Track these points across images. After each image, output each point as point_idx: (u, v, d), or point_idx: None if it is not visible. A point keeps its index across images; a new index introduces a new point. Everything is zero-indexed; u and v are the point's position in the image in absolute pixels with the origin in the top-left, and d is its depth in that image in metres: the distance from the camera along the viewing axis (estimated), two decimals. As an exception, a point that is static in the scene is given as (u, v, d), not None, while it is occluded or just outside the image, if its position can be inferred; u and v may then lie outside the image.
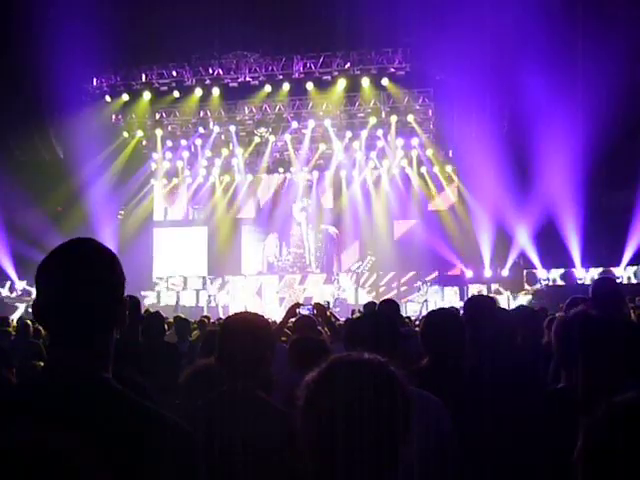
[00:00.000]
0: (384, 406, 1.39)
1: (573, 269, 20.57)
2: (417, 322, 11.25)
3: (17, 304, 20.64)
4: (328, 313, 5.67)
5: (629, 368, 2.41)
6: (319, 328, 5.66)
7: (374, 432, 1.37)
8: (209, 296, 25.46)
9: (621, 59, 16.57)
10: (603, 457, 1.41)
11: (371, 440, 1.36)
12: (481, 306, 4.34)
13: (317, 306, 5.86)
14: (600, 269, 19.44)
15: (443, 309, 3.75)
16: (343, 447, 1.36)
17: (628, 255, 19.63)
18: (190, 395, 3.17)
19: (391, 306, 5.49)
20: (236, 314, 2.93)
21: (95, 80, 22.58)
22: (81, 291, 1.58)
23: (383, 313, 3.22)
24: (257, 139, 24.14)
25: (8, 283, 21.72)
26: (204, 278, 25.88)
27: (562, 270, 20.94)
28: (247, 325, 2.76)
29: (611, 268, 19.36)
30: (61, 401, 1.50)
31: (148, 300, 23.95)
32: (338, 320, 7.14)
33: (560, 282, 20.74)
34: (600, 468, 1.41)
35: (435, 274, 24.03)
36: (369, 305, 7.67)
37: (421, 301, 23.20)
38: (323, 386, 1.45)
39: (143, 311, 6.94)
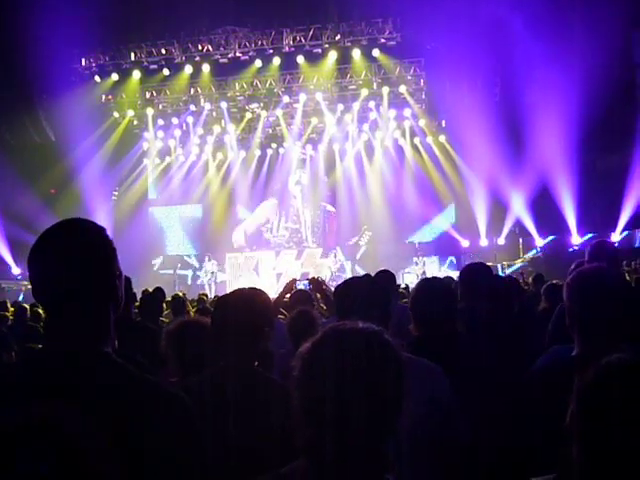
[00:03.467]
0: (377, 373, 1.40)
1: (569, 236, 20.61)
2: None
3: (15, 288, 20.65)
4: (323, 287, 5.67)
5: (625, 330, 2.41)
6: (315, 303, 5.66)
7: (368, 399, 1.37)
8: (204, 273, 25.46)
9: (614, 23, 16.47)
10: (599, 417, 1.42)
11: (366, 407, 1.37)
12: (477, 274, 4.35)
13: (313, 281, 5.86)
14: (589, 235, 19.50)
15: (434, 278, 3.74)
16: (338, 415, 1.37)
17: (623, 220, 19.64)
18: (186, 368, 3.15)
19: (386, 276, 5.49)
20: (234, 290, 2.92)
21: (83, 60, 22.32)
22: (73, 268, 1.61)
23: (375, 282, 3.18)
24: (249, 115, 24.02)
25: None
26: (201, 256, 25.89)
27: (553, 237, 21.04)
28: (243, 300, 2.75)
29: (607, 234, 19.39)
30: (61, 376, 1.52)
31: (146, 279, 23.95)
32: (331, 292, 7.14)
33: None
34: (596, 427, 1.42)
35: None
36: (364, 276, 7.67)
37: (419, 272, 23.23)
38: (316, 355, 1.45)
39: (142, 290, 6.96)
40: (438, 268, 23.22)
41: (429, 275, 21.26)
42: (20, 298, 18.01)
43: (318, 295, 5.82)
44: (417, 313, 3.22)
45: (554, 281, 6.07)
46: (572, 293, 2.57)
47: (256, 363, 2.70)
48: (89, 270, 1.63)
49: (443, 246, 23.87)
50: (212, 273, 25.34)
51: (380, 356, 1.43)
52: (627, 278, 9.86)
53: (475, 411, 2.76)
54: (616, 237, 19.39)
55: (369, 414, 1.38)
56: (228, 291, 3.14)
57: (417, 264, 23.83)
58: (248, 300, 2.74)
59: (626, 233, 19.82)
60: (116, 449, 1.34)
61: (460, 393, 2.67)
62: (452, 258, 23.54)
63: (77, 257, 1.61)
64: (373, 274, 5.09)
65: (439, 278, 3.74)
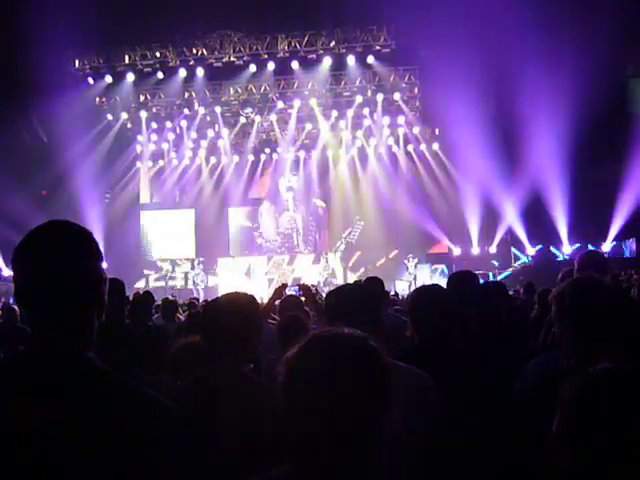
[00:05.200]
0: (362, 378, 1.40)
1: (560, 245, 20.71)
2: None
3: (5, 290, 20.55)
4: (313, 293, 5.68)
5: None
6: (306, 308, 5.66)
7: (352, 403, 1.37)
8: (197, 276, 25.46)
9: (607, 34, 16.57)
10: (587, 425, 1.43)
11: (349, 412, 1.37)
12: (465, 281, 4.36)
13: (303, 287, 5.88)
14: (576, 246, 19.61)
15: (432, 285, 3.76)
16: (322, 420, 1.36)
17: (614, 230, 19.73)
18: (176, 371, 3.16)
19: (376, 282, 5.49)
20: (223, 295, 2.93)
21: (77, 62, 22.30)
22: (58, 271, 1.59)
23: (365, 288, 3.20)
24: (243, 120, 24.03)
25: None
26: (192, 260, 25.86)
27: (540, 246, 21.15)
28: (232, 305, 2.75)
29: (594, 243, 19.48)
30: (43, 379, 1.51)
31: (138, 283, 23.90)
32: (322, 297, 7.14)
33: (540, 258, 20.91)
34: (584, 435, 1.43)
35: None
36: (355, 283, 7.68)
37: (409, 279, 23.28)
38: (302, 360, 1.45)
39: (133, 294, 6.94)
40: (429, 276, 23.24)
41: (419, 283, 21.34)
42: (11, 300, 17.92)
43: (304, 299, 5.82)
44: (419, 317, 3.23)
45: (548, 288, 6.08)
46: (563, 302, 2.56)
47: (245, 368, 2.70)
48: (74, 274, 1.61)
49: (434, 253, 23.91)
50: (200, 277, 25.34)
51: (364, 361, 1.43)
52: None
53: (467, 414, 2.76)
54: (606, 247, 19.48)
55: (355, 420, 1.38)
56: (219, 295, 3.14)
57: (408, 269, 23.83)
58: (236, 305, 2.75)
59: (614, 244, 19.94)
60: (98, 450, 1.33)
61: (456, 396, 2.68)
62: (443, 266, 23.56)
63: (62, 260, 1.60)
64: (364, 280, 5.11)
65: (436, 284, 3.75)
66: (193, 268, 25.72)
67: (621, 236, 19.82)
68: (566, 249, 20.49)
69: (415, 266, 23.80)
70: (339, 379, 1.37)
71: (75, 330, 1.60)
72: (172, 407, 1.61)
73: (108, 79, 22.60)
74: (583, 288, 2.55)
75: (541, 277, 15.97)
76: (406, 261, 23.99)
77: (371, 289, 3.95)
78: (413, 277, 23.38)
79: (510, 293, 7.06)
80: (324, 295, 8.35)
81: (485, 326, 3.96)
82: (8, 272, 21.24)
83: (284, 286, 5.95)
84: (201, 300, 15.23)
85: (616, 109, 18.80)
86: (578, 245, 19.33)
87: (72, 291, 1.60)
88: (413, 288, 19.16)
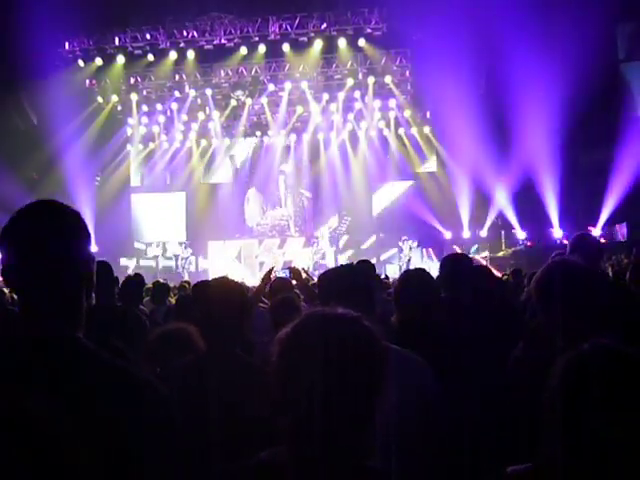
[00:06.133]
0: (355, 357, 1.40)
1: (551, 229, 20.76)
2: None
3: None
4: (304, 276, 5.70)
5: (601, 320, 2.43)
6: (296, 291, 5.67)
7: (346, 385, 1.37)
8: (186, 260, 25.45)
9: (598, 16, 16.54)
10: (577, 402, 1.44)
11: (344, 391, 1.37)
12: (458, 265, 4.36)
13: (293, 270, 5.91)
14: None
15: (417, 269, 3.77)
16: (318, 400, 1.37)
17: (605, 215, 19.79)
18: (153, 358, 3.14)
19: (366, 265, 5.50)
20: (209, 280, 2.95)
21: (67, 44, 22.08)
22: (47, 252, 1.58)
23: (358, 270, 3.20)
24: (233, 102, 23.91)
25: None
26: (183, 244, 25.83)
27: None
28: (220, 289, 2.76)
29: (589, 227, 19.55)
30: (29, 361, 1.50)
31: (128, 265, 23.86)
32: (313, 280, 7.15)
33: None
34: (574, 413, 1.44)
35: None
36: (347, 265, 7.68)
37: (402, 262, 23.25)
38: (295, 340, 1.45)
39: (124, 277, 6.91)
40: (420, 258, 23.24)
41: (413, 266, 21.32)
42: (-1, 282, 17.86)
43: (294, 282, 5.84)
44: (402, 300, 3.24)
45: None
46: (539, 286, 2.60)
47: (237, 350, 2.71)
48: (63, 254, 1.60)
49: (425, 237, 23.91)
50: (190, 260, 25.34)
51: (360, 341, 1.43)
52: (609, 272, 9.99)
53: (459, 397, 2.78)
54: (597, 231, 19.55)
55: (349, 400, 1.38)
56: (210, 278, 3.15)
57: (402, 250, 23.77)
58: (224, 289, 2.76)
59: (606, 228, 20.00)
60: (85, 434, 1.33)
61: (444, 379, 2.69)
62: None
63: (51, 240, 1.58)
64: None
65: (422, 268, 3.76)
66: (183, 251, 25.69)
67: (612, 220, 19.88)
68: (557, 233, 20.54)
69: (410, 249, 23.75)
70: (333, 359, 1.37)
71: (64, 311, 1.60)
72: (164, 389, 1.61)
73: (98, 61, 22.41)
74: (556, 271, 2.57)
75: (533, 260, 16.07)
76: (400, 243, 23.95)
77: (364, 271, 3.95)
78: (407, 260, 23.33)
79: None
80: (314, 278, 8.37)
81: (477, 309, 3.98)
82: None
83: (271, 270, 5.98)
84: (192, 284, 15.22)
85: (608, 93, 18.79)
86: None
87: (61, 272, 1.59)
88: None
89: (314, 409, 1.37)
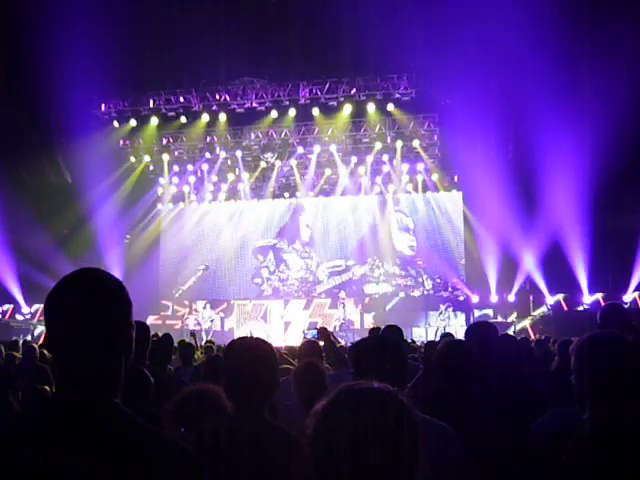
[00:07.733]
0: (392, 435, 1.40)
1: (580, 295, 20.50)
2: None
3: (24, 328, 20.64)
4: (332, 338, 5.69)
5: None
6: (324, 354, 5.66)
7: (383, 461, 1.37)
8: (211, 319, 25.41)
9: (626, 84, 16.64)
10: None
11: (380, 469, 1.37)
12: (485, 335, 4.31)
13: (321, 331, 5.90)
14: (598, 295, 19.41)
15: (454, 340, 3.78)
16: (352, 476, 1.37)
17: (635, 280, 19.54)
18: (182, 419, 3.12)
19: (395, 330, 5.48)
20: (240, 339, 2.92)
21: (103, 106, 22.78)
22: (93, 320, 1.62)
23: (391, 339, 3.20)
24: (263, 164, 24.27)
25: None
26: (209, 303, 25.84)
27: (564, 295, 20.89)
28: (254, 351, 2.75)
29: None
30: (69, 426, 1.53)
31: (154, 324, 23.90)
32: (339, 343, 7.13)
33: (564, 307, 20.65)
34: None
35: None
36: (374, 331, 7.65)
37: (441, 325, 22.79)
38: (332, 415, 1.45)
39: (152, 335, 6.92)
40: (447, 323, 22.93)
41: (448, 330, 20.97)
42: (29, 337, 18.00)
43: (322, 343, 5.82)
44: (445, 372, 3.24)
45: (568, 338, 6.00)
46: (583, 358, 2.55)
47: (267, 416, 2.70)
48: (108, 323, 1.64)
49: (452, 301, 23.70)
50: (211, 320, 25.31)
51: (395, 418, 1.43)
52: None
53: (487, 463, 2.75)
54: (627, 298, 19.28)
55: (384, 475, 1.38)
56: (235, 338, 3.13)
57: (442, 314, 23.43)
58: (257, 352, 2.74)
59: (637, 294, 19.71)
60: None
61: (474, 446, 2.67)
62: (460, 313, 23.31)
63: (97, 309, 1.63)
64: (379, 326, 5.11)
65: (460, 340, 3.76)
66: (210, 310, 25.67)
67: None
68: (586, 298, 20.27)
69: (447, 313, 23.37)
70: (369, 435, 1.38)
71: (104, 377, 1.63)
72: (194, 454, 1.63)
73: (133, 122, 23.03)
74: (603, 343, 2.54)
75: (560, 327, 15.86)
76: (442, 305, 23.65)
77: (395, 340, 3.95)
78: (445, 323, 22.87)
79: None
80: (340, 340, 8.33)
81: (504, 377, 3.93)
82: (27, 309, 21.39)
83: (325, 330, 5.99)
84: (217, 343, 15.18)
85: (636, 160, 18.77)
86: (601, 294, 19.14)
87: (105, 340, 1.64)
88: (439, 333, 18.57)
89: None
